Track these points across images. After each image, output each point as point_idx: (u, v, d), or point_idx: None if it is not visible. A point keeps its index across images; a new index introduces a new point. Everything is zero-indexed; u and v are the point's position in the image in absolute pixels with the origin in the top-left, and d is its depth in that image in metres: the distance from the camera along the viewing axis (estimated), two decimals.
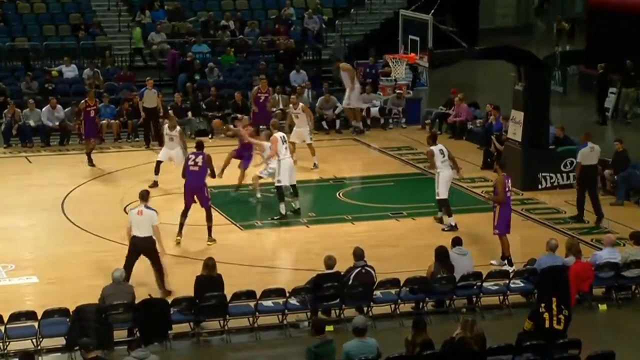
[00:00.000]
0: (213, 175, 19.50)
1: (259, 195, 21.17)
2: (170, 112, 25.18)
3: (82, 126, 24.29)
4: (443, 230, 19.07)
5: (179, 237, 18.36)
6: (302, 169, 22.90)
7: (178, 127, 22.52)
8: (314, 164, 23.65)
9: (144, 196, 16.33)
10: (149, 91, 26.32)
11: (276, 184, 19.99)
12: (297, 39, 32.61)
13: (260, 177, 20.95)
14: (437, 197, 19.46)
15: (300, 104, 24.26)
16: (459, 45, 21.81)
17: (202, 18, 33.18)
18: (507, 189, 17.34)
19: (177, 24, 32.66)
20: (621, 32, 31.14)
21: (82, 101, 24.54)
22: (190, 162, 18.72)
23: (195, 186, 18.58)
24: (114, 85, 28.97)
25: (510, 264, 17.05)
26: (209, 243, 18.43)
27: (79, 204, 21.11)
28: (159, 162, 22.20)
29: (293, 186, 20.31)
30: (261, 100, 26.01)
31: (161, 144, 24.83)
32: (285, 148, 20.20)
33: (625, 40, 30.75)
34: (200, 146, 19.16)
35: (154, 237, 15.92)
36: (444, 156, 19.45)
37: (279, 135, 20.26)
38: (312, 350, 12.02)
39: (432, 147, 19.50)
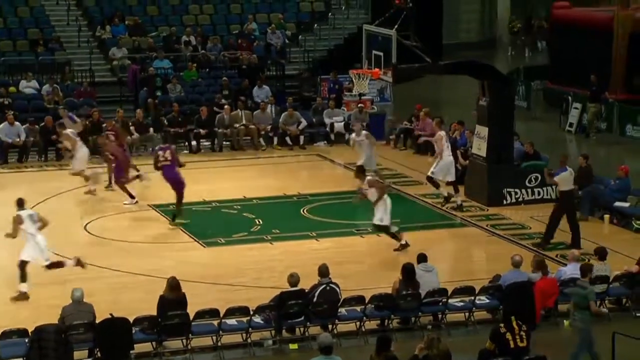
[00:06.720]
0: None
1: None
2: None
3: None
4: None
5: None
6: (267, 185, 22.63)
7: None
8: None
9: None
10: None
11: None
12: (260, 54, 32.47)
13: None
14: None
15: None
16: (423, 60, 21.72)
17: (164, 33, 32.96)
18: None
19: (138, 39, 32.39)
20: (584, 47, 31.27)
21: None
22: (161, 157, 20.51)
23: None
24: (74, 102, 28.59)
25: None
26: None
27: None
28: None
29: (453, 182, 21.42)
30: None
31: None
32: (448, 147, 21.48)
33: (589, 56, 30.90)
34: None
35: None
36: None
37: (442, 132, 21.72)
38: None
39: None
